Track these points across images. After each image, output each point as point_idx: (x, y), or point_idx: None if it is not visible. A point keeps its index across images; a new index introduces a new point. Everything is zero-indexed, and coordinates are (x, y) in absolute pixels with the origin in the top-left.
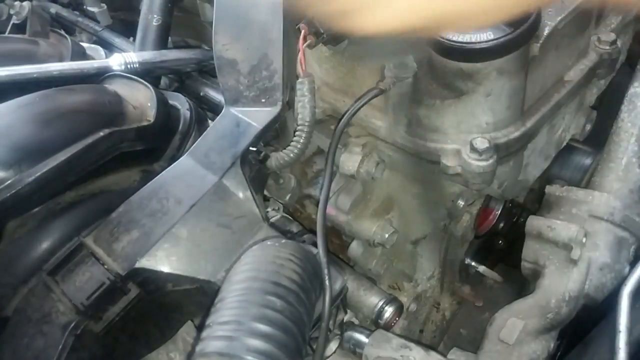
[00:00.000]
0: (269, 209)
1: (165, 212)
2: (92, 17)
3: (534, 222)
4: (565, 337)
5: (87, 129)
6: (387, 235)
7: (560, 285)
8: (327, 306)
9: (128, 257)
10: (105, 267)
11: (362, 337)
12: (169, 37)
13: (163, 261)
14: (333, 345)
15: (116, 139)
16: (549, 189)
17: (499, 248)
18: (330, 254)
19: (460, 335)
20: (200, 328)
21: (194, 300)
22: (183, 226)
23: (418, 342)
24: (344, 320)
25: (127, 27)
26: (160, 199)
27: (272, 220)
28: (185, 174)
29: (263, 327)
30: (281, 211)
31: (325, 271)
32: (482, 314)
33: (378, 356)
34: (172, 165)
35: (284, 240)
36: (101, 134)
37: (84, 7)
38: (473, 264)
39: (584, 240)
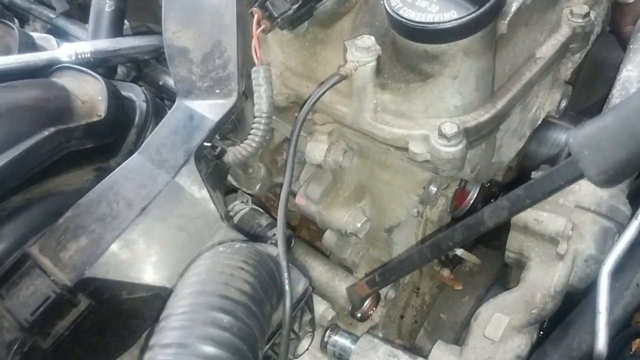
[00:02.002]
0: (237, 202)
1: (115, 216)
2: (47, 3)
3: (520, 214)
4: (546, 320)
5: (30, 128)
6: (359, 225)
7: (545, 280)
8: (287, 312)
9: (76, 267)
10: (52, 278)
11: (347, 343)
12: (127, 23)
13: (114, 269)
14: (305, 343)
15: (63, 138)
16: (535, 175)
17: None
18: (305, 242)
19: (440, 320)
20: (143, 349)
21: (152, 306)
22: (135, 230)
23: (405, 349)
24: (330, 319)
25: (85, 12)
26: (109, 202)
27: (240, 213)
28: (136, 174)
29: (208, 349)
30: (249, 203)
31: (285, 275)
32: (462, 298)
33: None
34: (121, 165)
35: (237, 245)
36: (46, 133)
37: None
38: None
39: (570, 234)
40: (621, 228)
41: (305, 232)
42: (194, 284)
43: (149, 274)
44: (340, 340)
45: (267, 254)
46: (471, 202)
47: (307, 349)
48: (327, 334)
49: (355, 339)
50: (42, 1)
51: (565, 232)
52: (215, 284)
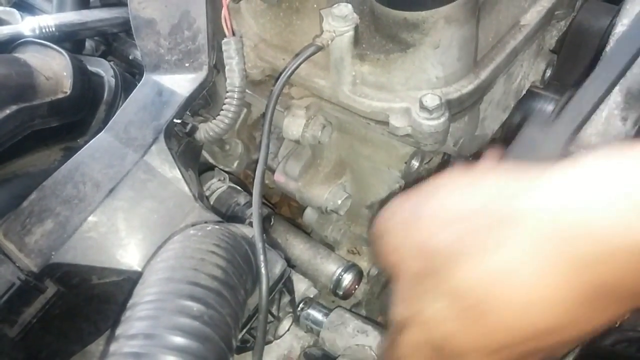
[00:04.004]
0: (214, 180)
1: (82, 198)
2: None
3: None
4: None
5: None
6: (339, 202)
7: None
8: (263, 296)
9: (42, 252)
10: (17, 264)
11: (319, 317)
12: None
13: (82, 253)
14: (286, 324)
15: (26, 116)
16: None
17: None
18: (286, 220)
19: None
20: (109, 340)
21: (125, 290)
22: (103, 212)
23: (377, 324)
24: (312, 297)
25: None
26: (76, 183)
27: (217, 192)
28: (103, 154)
29: (176, 339)
30: (227, 181)
31: (261, 257)
32: None
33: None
34: (87, 144)
35: (209, 228)
36: (7, 111)
37: None
38: None
39: None
40: None
41: (286, 209)
42: (161, 271)
43: (120, 258)
44: (313, 313)
45: (242, 236)
46: None
47: (288, 330)
48: (300, 306)
49: (327, 313)
50: None
51: None
52: (185, 270)
